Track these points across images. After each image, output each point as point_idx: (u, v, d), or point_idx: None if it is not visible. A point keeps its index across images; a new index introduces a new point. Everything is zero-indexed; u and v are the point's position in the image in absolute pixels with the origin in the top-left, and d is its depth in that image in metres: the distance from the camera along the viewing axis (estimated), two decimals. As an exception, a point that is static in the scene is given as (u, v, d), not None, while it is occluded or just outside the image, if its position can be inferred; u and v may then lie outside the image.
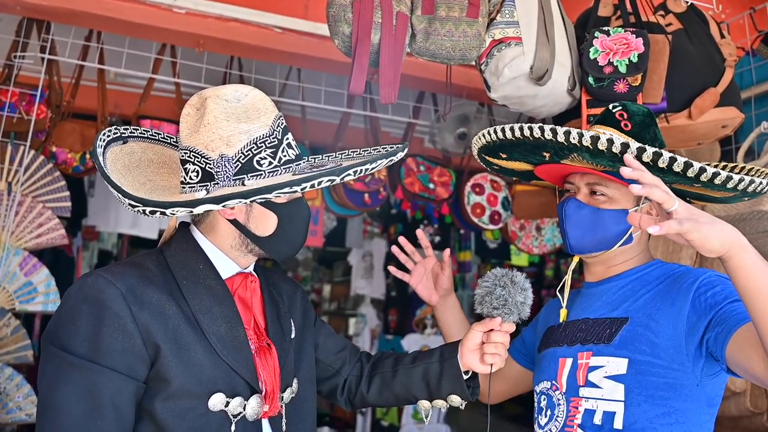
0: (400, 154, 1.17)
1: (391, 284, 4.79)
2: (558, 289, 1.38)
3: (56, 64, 2.60)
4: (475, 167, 3.09)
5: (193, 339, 1.03)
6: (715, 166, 1.10)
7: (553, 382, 1.27)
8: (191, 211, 1.04)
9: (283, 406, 1.13)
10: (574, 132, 1.14)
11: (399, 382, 1.32)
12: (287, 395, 1.15)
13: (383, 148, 1.21)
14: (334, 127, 3.14)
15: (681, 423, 1.13)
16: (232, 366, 1.05)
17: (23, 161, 2.34)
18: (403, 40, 1.55)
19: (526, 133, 1.20)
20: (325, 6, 1.58)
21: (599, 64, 1.64)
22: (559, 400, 1.25)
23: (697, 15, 1.78)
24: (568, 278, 1.36)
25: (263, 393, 1.08)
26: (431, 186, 3.03)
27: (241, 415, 1.05)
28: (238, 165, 1.06)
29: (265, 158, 1.08)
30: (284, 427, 1.13)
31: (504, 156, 1.36)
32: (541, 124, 1.19)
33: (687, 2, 1.80)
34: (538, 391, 1.33)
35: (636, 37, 1.63)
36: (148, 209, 1.02)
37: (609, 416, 1.16)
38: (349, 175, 1.07)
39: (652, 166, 1.10)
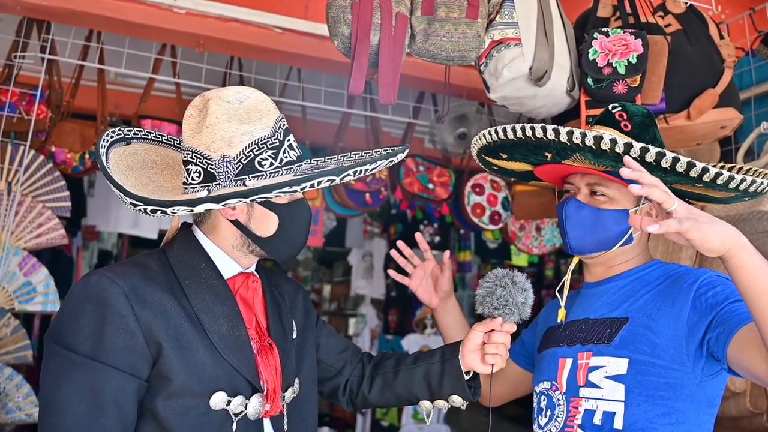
0: (401, 155, 1.18)
1: (391, 284, 4.79)
2: (557, 289, 1.38)
3: (56, 64, 2.60)
4: (475, 167, 3.09)
5: (195, 338, 1.04)
6: (714, 166, 1.10)
7: (553, 382, 1.27)
8: (192, 210, 1.04)
9: (285, 406, 1.14)
10: (577, 132, 1.14)
11: (400, 383, 1.32)
12: (289, 395, 1.15)
13: (384, 150, 1.22)
14: (334, 127, 3.14)
15: (681, 423, 1.14)
16: (234, 365, 1.06)
17: (23, 161, 2.34)
18: (402, 41, 1.55)
19: (528, 133, 1.20)
20: (325, 6, 1.58)
21: (598, 65, 1.64)
22: (559, 400, 1.25)
23: (696, 16, 1.78)
24: (567, 279, 1.36)
25: (265, 392, 1.09)
26: (430, 186, 3.04)
27: (243, 414, 1.06)
28: (239, 166, 1.07)
29: (267, 159, 1.08)
30: (286, 427, 1.13)
31: (504, 156, 1.36)
32: (543, 125, 1.19)
33: (686, 3, 1.80)
34: (537, 392, 1.33)
35: (635, 39, 1.63)
36: (149, 208, 1.04)
37: (609, 416, 1.16)
38: (348, 175, 1.08)
39: (655, 166, 1.10)
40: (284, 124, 1.13)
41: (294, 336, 1.22)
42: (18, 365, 2.33)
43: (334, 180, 1.06)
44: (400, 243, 1.54)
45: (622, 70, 1.61)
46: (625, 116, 1.26)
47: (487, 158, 1.42)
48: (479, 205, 3.10)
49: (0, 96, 2.38)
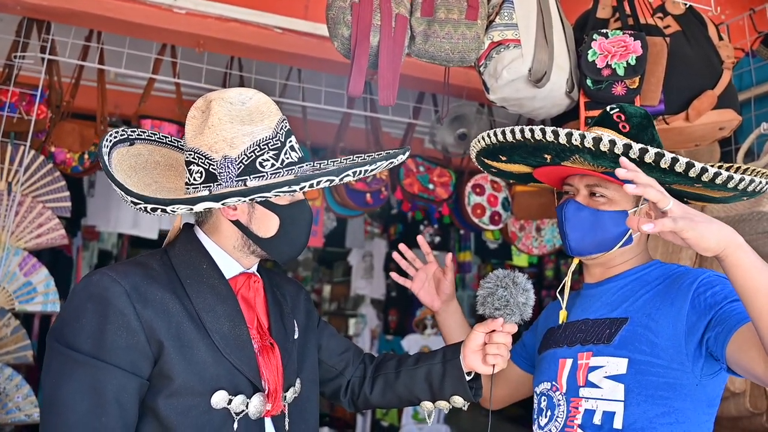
0: (401, 158, 1.19)
1: (391, 285, 4.79)
2: (558, 290, 1.38)
3: (56, 64, 2.60)
4: (475, 168, 3.09)
5: (196, 337, 1.04)
6: (713, 166, 1.11)
7: (553, 382, 1.28)
8: (191, 209, 1.05)
9: (286, 406, 1.14)
10: (576, 133, 1.14)
11: (402, 384, 1.32)
12: (290, 395, 1.15)
13: (387, 153, 1.23)
14: (334, 127, 3.14)
15: (681, 423, 1.14)
16: (235, 364, 1.06)
17: (23, 161, 2.34)
18: (402, 42, 1.55)
19: (528, 135, 1.21)
20: (325, 7, 1.58)
21: (597, 66, 1.64)
22: (559, 400, 1.25)
23: (696, 17, 1.79)
24: (567, 279, 1.36)
25: (266, 392, 1.09)
26: (431, 186, 3.04)
27: (244, 413, 1.06)
28: (240, 166, 1.07)
29: (268, 160, 1.09)
30: (287, 427, 1.13)
31: (503, 158, 1.36)
32: (542, 126, 1.19)
33: (685, 4, 1.80)
34: (538, 392, 1.33)
35: (634, 40, 1.63)
36: (149, 206, 1.04)
37: (608, 416, 1.17)
38: (348, 176, 1.09)
39: (654, 167, 1.10)
40: (286, 126, 1.14)
41: (296, 336, 1.22)
42: (18, 365, 2.33)
43: (333, 180, 1.07)
44: (402, 246, 1.54)
45: (621, 72, 1.62)
46: (623, 117, 1.26)
47: (486, 161, 1.42)
48: (479, 205, 3.10)
49: (0, 96, 2.38)
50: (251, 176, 1.08)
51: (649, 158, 1.09)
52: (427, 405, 1.33)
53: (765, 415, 1.92)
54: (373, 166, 1.13)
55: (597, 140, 1.12)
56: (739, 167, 1.36)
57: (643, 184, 0.93)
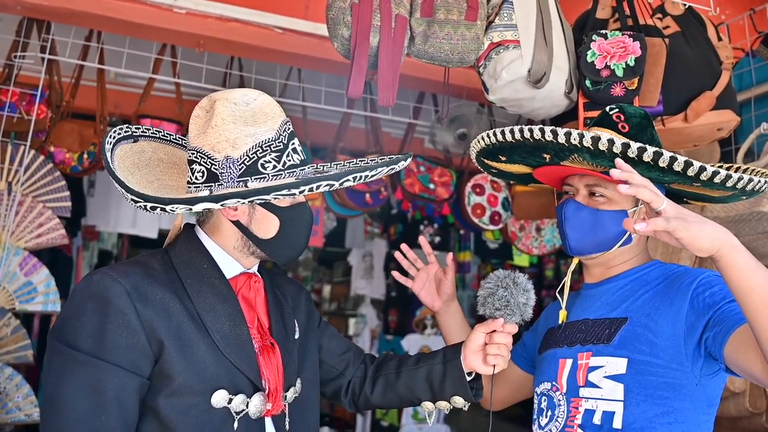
0: (403, 164, 1.19)
1: (391, 284, 4.79)
2: (558, 290, 1.38)
3: (56, 64, 2.60)
4: (475, 168, 3.08)
5: (197, 336, 1.05)
6: (712, 166, 1.11)
7: (554, 382, 1.28)
8: (190, 209, 1.06)
9: (287, 406, 1.14)
10: (575, 133, 1.15)
11: (403, 384, 1.33)
12: (290, 395, 1.16)
13: (388, 158, 1.23)
14: (334, 127, 3.14)
15: (680, 422, 1.14)
16: (235, 363, 1.06)
17: (23, 161, 2.34)
18: (401, 43, 1.55)
19: (527, 134, 1.21)
20: (325, 7, 1.58)
21: (596, 67, 1.64)
22: (559, 400, 1.26)
23: (695, 18, 1.79)
24: (567, 279, 1.36)
25: (266, 391, 1.09)
26: (431, 186, 3.04)
27: (244, 412, 1.06)
28: (242, 167, 1.08)
29: (270, 162, 1.09)
30: (287, 426, 1.14)
31: (503, 159, 1.36)
32: (541, 126, 1.19)
33: (685, 5, 1.80)
34: (538, 393, 1.33)
35: (633, 41, 1.63)
36: (149, 205, 1.05)
37: (608, 416, 1.17)
38: (348, 180, 1.09)
39: (653, 166, 1.11)
40: (289, 128, 1.14)
41: (296, 336, 1.23)
42: (18, 365, 2.33)
43: (333, 185, 1.07)
44: (403, 246, 1.54)
45: (620, 73, 1.62)
46: (622, 117, 1.26)
47: (486, 161, 1.42)
48: (479, 205, 3.10)
49: (0, 96, 2.38)
50: (253, 177, 1.08)
51: (647, 157, 1.09)
52: (427, 405, 1.33)
53: (765, 415, 1.92)
54: (373, 172, 1.13)
55: (595, 139, 1.12)
56: (739, 167, 1.36)
57: (636, 184, 0.94)
